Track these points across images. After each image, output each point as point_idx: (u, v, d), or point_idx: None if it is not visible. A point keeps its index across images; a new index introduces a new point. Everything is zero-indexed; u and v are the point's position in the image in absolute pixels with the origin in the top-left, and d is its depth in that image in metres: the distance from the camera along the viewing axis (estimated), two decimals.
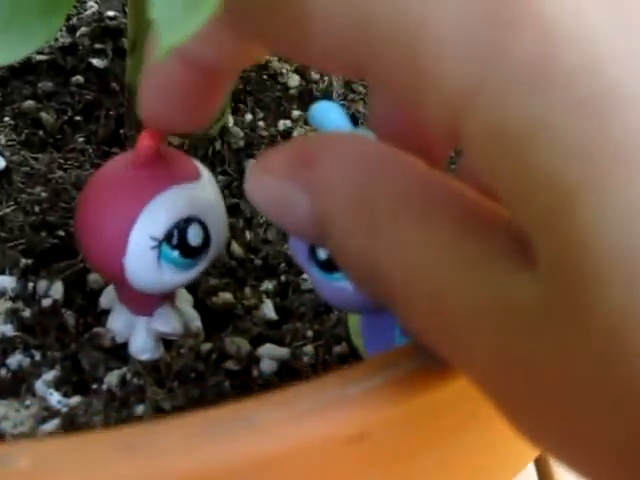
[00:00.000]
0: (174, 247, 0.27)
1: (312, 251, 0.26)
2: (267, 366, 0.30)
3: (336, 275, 0.25)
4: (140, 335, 0.30)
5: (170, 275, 0.28)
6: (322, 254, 0.25)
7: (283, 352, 0.31)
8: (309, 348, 0.31)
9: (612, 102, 0.16)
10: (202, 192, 0.28)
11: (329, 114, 0.27)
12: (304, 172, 0.23)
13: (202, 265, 0.29)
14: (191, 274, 0.28)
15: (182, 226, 0.27)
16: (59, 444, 0.20)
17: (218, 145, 0.38)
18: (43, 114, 0.38)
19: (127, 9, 0.36)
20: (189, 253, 0.28)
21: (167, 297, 0.30)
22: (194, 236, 0.28)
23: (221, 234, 0.29)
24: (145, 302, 0.30)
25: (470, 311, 0.19)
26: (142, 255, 0.27)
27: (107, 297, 0.32)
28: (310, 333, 0.31)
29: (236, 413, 0.20)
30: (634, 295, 0.16)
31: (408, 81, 0.19)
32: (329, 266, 0.25)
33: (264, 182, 0.24)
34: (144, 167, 0.27)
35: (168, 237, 0.27)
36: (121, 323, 0.31)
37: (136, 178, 0.28)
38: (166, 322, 0.30)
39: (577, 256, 0.16)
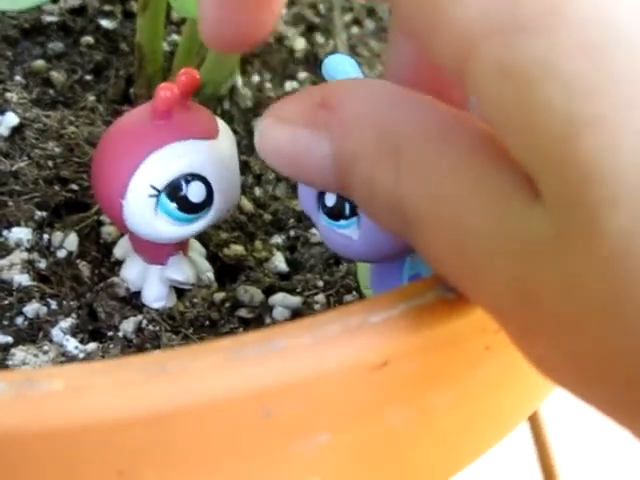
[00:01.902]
0: (173, 200, 0.28)
1: (319, 199, 0.26)
2: (280, 314, 0.31)
3: (342, 223, 0.26)
4: (153, 283, 0.31)
5: (165, 226, 0.28)
6: (329, 201, 0.26)
7: (295, 300, 0.31)
8: (320, 297, 0.32)
9: (615, 47, 0.17)
10: (215, 150, 0.28)
11: (342, 66, 0.27)
12: (324, 116, 0.23)
13: (202, 223, 0.29)
14: (189, 229, 0.29)
15: (185, 181, 0.28)
16: (92, 368, 0.20)
17: (227, 105, 0.38)
18: (53, 73, 0.38)
19: None
20: (188, 209, 0.28)
21: (180, 247, 0.31)
22: (195, 193, 0.28)
23: (229, 195, 0.29)
24: (158, 251, 0.30)
25: (488, 243, 0.19)
26: (140, 200, 0.28)
27: (121, 248, 0.32)
28: (321, 283, 0.32)
29: (264, 338, 0.21)
30: (639, 217, 0.16)
31: (424, 14, 0.20)
32: (336, 214, 0.26)
33: (278, 131, 0.24)
34: (161, 117, 0.28)
35: (168, 189, 0.28)
36: (134, 272, 0.31)
37: (149, 126, 0.28)
38: (179, 270, 0.31)
39: (582, 185, 0.17)
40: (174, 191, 0.28)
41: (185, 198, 0.28)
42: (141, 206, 0.28)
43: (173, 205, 0.28)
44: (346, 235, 0.26)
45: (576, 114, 0.17)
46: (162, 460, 0.21)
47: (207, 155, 0.28)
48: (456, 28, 0.19)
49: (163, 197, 0.27)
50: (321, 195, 0.26)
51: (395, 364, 0.21)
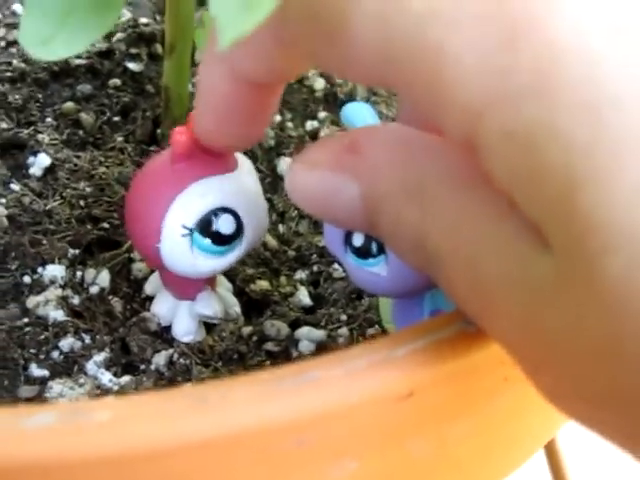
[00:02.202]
0: (206, 235, 0.29)
1: (347, 239, 0.28)
2: (305, 347, 0.32)
3: (370, 261, 0.27)
4: (183, 318, 0.32)
5: (203, 261, 0.29)
6: (357, 241, 0.27)
7: (320, 334, 0.33)
8: (344, 330, 0.33)
9: (609, 105, 0.18)
10: (238, 183, 0.30)
11: (361, 113, 0.29)
12: (351, 160, 0.25)
13: (237, 252, 0.30)
14: (225, 261, 0.30)
15: (213, 215, 0.29)
16: (136, 399, 0.21)
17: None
18: (82, 115, 0.39)
19: (164, 15, 0.37)
20: (221, 241, 0.29)
21: (208, 282, 0.32)
22: (226, 225, 0.29)
23: (257, 223, 0.30)
24: (187, 287, 0.32)
25: (500, 281, 0.21)
26: (175, 241, 0.29)
27: (152, 284, 0.33)
28: (344, 317, 0.33)
29: (299, 370, 0.22)
30: (634, 264, 0.18)
31: (430, 96, 0.21)
32: (364, 253, 0.27)
33: (307, 175, 0.25)
34: (181, 160, 0.29)
35: (200, 226, 0.29)
36: (165, 307, 0.32)
37: (172, 169, 0.29)
38: (208, 305, 0.32)
39: (582, 236, 0.18)
40: (205, 227, 0.29)
41: (217, 232, 0.29)
42: (177, 247, 0.29)
43: (207, 240, 0.29)
44: (374, 272, 0.27)
45: (574, 172, 0.18)
46: None
47: (230, 188, 0.30)
48: (460, 106, 0.20)
49: (196, 234, 0.29)
50: (348, 236, 0.27)
51: (419, 395, 0.23)
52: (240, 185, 0.30)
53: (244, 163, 0.31)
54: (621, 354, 0.18)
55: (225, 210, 0.29)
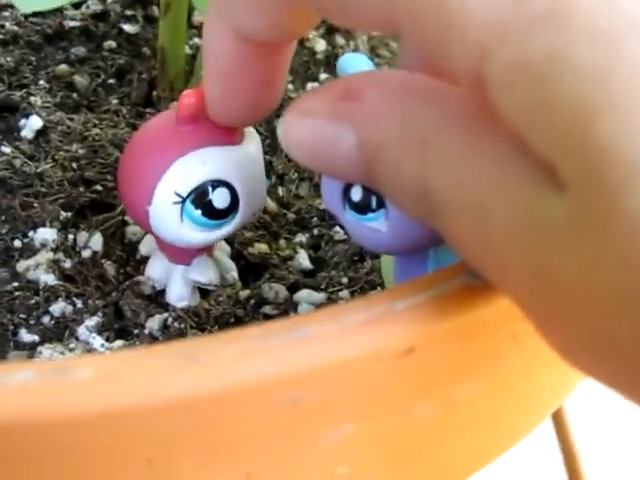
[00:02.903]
0: (198, 206, 0.28)
1: (345, 194, 0.26)
2: (305, 310, 0.31)
3: (370, 216, 0.26)
4: (176, 283, 0.31)
5: (191, 232, 0.28)
6: (356, 195, 0.26)
7: (320, 297, 0.31)
8: (345, 293, 0.32)
9: (627, 31, 0.17)
10: (240, 156, 0.29)
11: (358, 64, 0.28)
12: (349, 107, 0.23)
13: (227, 228, 0.29)
14: (214, 235, 0.29)
15: (209, 187, 0.28)
16: (120, 357, 0.21)
17: None
18: (77, 77, 0.38)
19: None
20: (213, 215, 0.28)
21: (204, 248, 0.31)
22: (220, 199, 0.28)
23: (254, 201, 0.29)
24: (182, 251, 0.31)
25: (509, 228, 0.20)
26: (165, 207, 0.28)
27: (147, 244, 0.32)
28: (345, 280, 0.32)
29: (292, 326, 0.21)
30: None
31: (437, 32, 0.20)
32: (363, 207, 0.26)
33: (302, 124, 0.24)
34: (186, 124, 0.28)
35: (193, 195, 0.28)
36: (159, 270, 0.31)
37: (174, 133, 0.28)
38: (202, 272, 0.31)
39: (600, 168, 0.17)
40: (199, 198, 0.28)
41: (210, 204, 0.28)
42: (166, 213, 0.28)
43: (198, 212, 0.28)
44: (374, 228, 0.26)
45: (590, 100, 0.17)
46: (191, 448, 0.21)
47: (232, 161, 0.28)
48: (469, 40, 0.19)
49: (188, 204, 0.28)
50: (346, 191, 0.26)
51: (420, 352, 0.21)
52: (243, 160, 0.29)
53: (252, 137, 0.29)
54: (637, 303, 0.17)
55: (223, 183, 0.28)
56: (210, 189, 0.28)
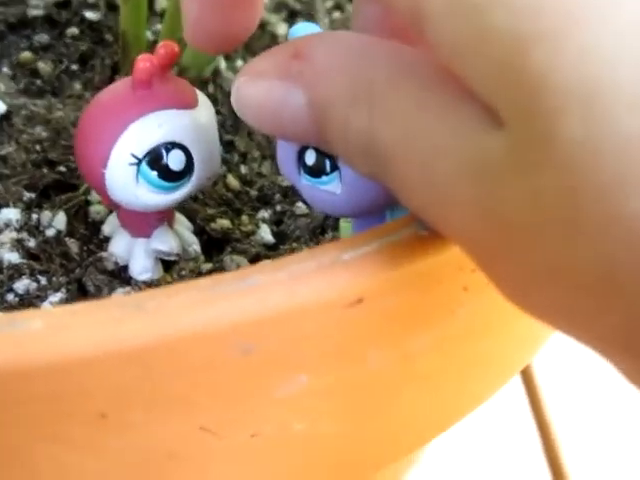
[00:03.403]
0: (153, 168, 0.28)
1: (299, 158, 0.27)
2: None
3: (324, 179, 0.26)
4: (138, 256, 0.31)
5: (146, 194, 0.29)
6: (310, 159, 0.26)
7: None
8: None
9: None
10: (194, 120, 0.29)
11: (309, 31, 0.28)
12: (297, 66, 0.24)
13: (182, 191, 0.29)
14: (170, 198, 0.29)
15: (165, 149, 0.28)
16: (70, 308, 0.21)
17: (211, 88, 0.39)
18: (40, 64, 0.38)
19: None
20: (168, 177, 0.29)
21: (164, 219, 0.31)
22: (175, 161, 0.28)
23: (209, 165, 0.30)
24: (142, 223, 0.31)
25: (454, 170, 0.20)
26: (121, 169, 0.28)
27: (110, 224, 0.33)
28: None
29: (240, 276, 0.21)
30: (590, 124, 0.17)
31: None
32: (317, 171, 0.26)
33: (253, 86, 0.25)
34: (142, 87, 0.28)
35: (149, 157, 0.28)
36: (121, 246, 0.32)
37: (129, 97, 0.28)
38: (163, 241, 0.31)
39: (533, 98, 0.18)
40: (154, 159, 0.28)
41: (165, 166, 0.28)
42: (122, 175, 0.28)
43: (154, 173, 0.28)
44: (329, 191, 0.26)
45: (521, 32, 0.18)
46: (144, 400, 0.21)
47: (187, 124, 0.29)
48: None
49: (144, 165, 0.28)
50: (301, 156, 0.27)
51: (370, 301, 0.22)
52: (197, 123, 0.29)
53: (204, 102, 0.30)
54: (581, 223, 0.18)
55: (178, 146, 0.29)
56: (165, 151, 0.28)
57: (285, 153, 0.27)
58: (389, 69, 0.22)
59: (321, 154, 0.26)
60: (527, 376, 0.54)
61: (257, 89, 0.24)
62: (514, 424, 0.52)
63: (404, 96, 0.22)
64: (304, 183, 0.27)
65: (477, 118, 0.20)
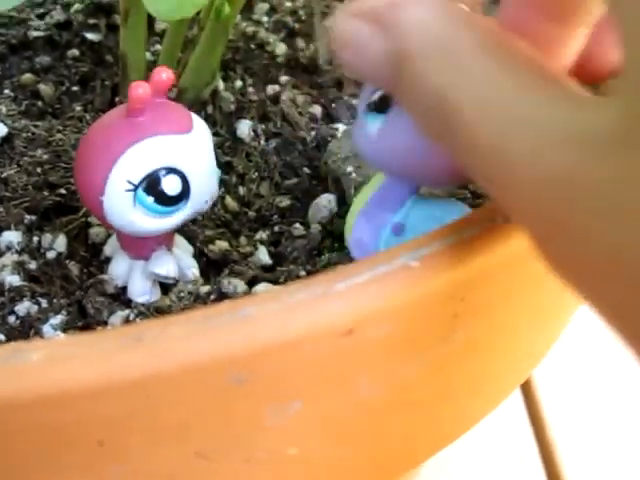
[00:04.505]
0: (150, 194, 0.29)
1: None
2: None
3: (372, 115, 0.28)
4: (137, 278, 0.32)
5: (144, 219, 0.29)
6: (375, 95, 0.28)
7: None
8: None
9: None
10: (190, 144, 0.29)
11: None
12: (389, 14, 0.24)
13: (180, 215, 0.30)
14: (167, 222, 0.30)
15: (160, 174, 0.29)
16: (69, 340, 0.21)
17: (210, 109, 0.39)
18: (41, 86, 0.39)
19: None
20: (165, 202, 0.29)
21: (163, 242, 0.32)
22: (171, 186, 0.29)
23: (205, 189, 0.30)
24: (141, 247, 0.32)
25: (537, 135, 0.20)
26: (118, 196, 0.29)
27: (111, 246, 0.33)
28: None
29: (232, 307, 0.21)
30: None
31: None
32: (374, 107, 0.28)
33: (347, 24, 0.25)
34: (137, 114, 0.29)
35: (145, 183, 0.29)
36: (121, 268, 0.32)
37: (125, 123, 0.29)
38: (161, 265, 0.31)
39: None
40: (150, 185, 0.29)
41: (161, 192, 0.29)
42: (119, 201, 0.29)
43: (150, 199, 0.29)
44: (370, 128, 0.28)
45: None
46: (140, 428, 0.21)
47: (182, 149, 0.29)
48: None
49: (140, 191, 0.28)
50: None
51: (362, 331, 0.22)
52: (194, 148, 0.30)
53: (200, 125, 0.30)
54: None
55: (173, 171, 0.29)
56: (161, 176, 0.29)
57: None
58: (479, 36, 0.23)
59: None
60: (527, 389, 0.54)
61: (349, 27, 0.25)
62: (513, 436, 0.52)
63: (490, 63, 0.22)
64: (361, 117, 0.28)
65: (568, 95, 0.20)
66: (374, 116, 0.27)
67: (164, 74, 0.29)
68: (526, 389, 0.54)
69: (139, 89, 0.28)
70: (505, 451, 0.51)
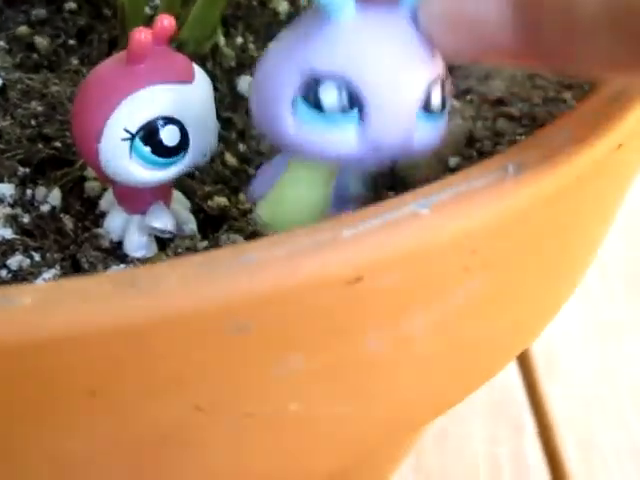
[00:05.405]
0: (147, 143, 0.28)
1: (302, 99, 0.24)
2: None
3: (339, 117, 0.24)
4: (133, 233, 0.31)
5: (140, 170, 0.28)
6: (328, 93, 0.24)
7: None
8: None
9: None
10: (190, 95, 0.29)
11: None
12: None
13: (177, 167, 0.29)
14: (164, 174, 0.29)
15: (158, 124, 0.28)
16: (60, 284, 0.20)
17: (210, 65, 0.38)
18: (37, 38, 0.38)
19: None
20: (162, 152, 0.28)
21: (160, 197, 0.31)
22: (169, 137, 0.28)
23: (204, 140, 0.29)
24: (138, 200, 0.31)
25: None
26: (115, 144, 0.28)
27: (107, 200, 0.32)
28: None
29: (235, 253, 0.20)
30: None
31: None
32: (335, 108, 0.24)
33: (443, 2, 0.22)
34: (135, 61, 0.28)
35: (143, 132, 0.28)
36: (117, 222, 0.31)
37: (124, 71, 0.28)
38: (158, 218, 0.31)
39: None
40: (148, 135, 0.28)
41: (159, 142, 0.28)
42: (116, 150, 0.28)
43: (147, 149, 0.28)
44: (342, 130, 0.24)
45: None
46: (136, 379, 0.21)
47: (182, 99, 0.28)
48: None
49: (137, 141, 0.28)
50: (308, 94, 0.24)
51: (369, 279, 0.21)
52: (194, 98, 0.29)
53: (202, 77, 0.30)
54: None
55: (172, 121, 0.28)
56: (159, 126, 0.28)
57: (274, 95, 0.25)
58: None
59: (345, 87, 0.24)
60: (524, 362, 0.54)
61: (447, 3, 0.22)
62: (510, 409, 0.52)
63: None
64: (303, 128, 0.24)
65: None
66: (342, 116, 0.24)
67: (166, 21, 0.28)
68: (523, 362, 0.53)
69: (140, 34, 0.27)
70: (501, 423, 0.50)
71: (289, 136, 0.25)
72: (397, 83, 0.23)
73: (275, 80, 0.25)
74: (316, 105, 0.24)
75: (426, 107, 0.24)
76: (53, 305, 0.20)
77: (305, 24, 0.25)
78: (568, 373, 0.53)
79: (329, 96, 0.24)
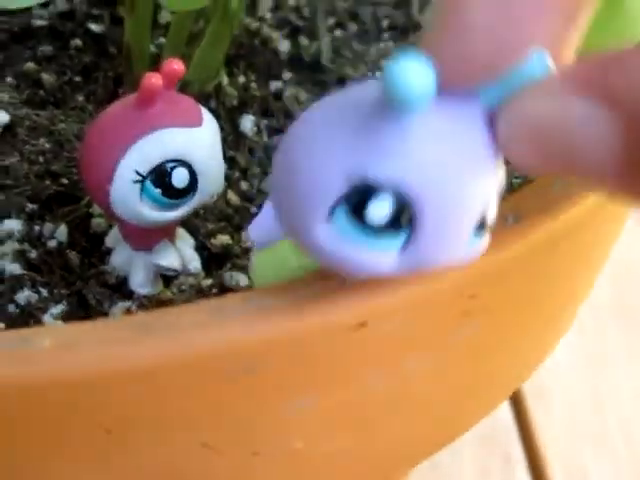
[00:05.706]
0: (157, 185, 0.29)
1: (342, 208, 0.20)
2: None
3: (385, 236, 0.20)
4: (138, 269, 0.32)
5: (150, 211, 0.29)
6: (380, 207, 0.19)
7: None
8: None
9: None
10: (199, 138, 0.29)
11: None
12: (604, 79, 0.18)
13: (186, 208, 0.30)
14: (173, 214, 0.30)
15: (169, 167, 0.29)
16: (79, 327, 0.21)
17: (213, 104, 0.39)
18: (44, 75, 0.39)
19: None
20: (172, 194, 0.29)
21: (166, 235, 0.32)
22: (179, 179, 0.29)
23: (212, 182, 0.30)
24: (144, 238, 0.31)
25: None
26: (126, 186, 0.28)
27: (112, 237, 0.33)
28: None
29: (246, 298, 0.21)
30: None
31: None
32: (384, 225, 0.20)
33: (542, 101, 0.18)
34: (146, 105, 0.29)
35: (153, 175, 0.28)
36: (122, 259, 0.32)
37: (135, 114, 0.29)
38: (163, 256, 0.31)
39: None
40: (158, 177, 0.28)
41: (169, 184, 0.29)
42: (127, 191, 0.28)
43: (157, 191, 0.29)
44: (385, 250, 0.20)
45: None
46: (148, 418, 0.21)
47: (191, 142, 0.29)
48: None
49: (148, 183, 0.28)
50: (350, 204, 0.19)
51: (373, 324, 0.22)
52: (202, 141, 0.29)
53: (209, 120, 0.30)
54: None
55: (182, 163, 0.29)
56: (170, 169, 0.28)
57: (310, 197, 0.20)
58: None
59: (400, 201, 0.19)
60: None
61: (546, 106, 0.18)
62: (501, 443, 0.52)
63: None
64: (338, 240, 0.20)
65: None
66: (390, 236, 0.19)
67: (176, 65, 0.28)
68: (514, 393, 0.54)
69: (152, 79, 0.28)
70: (493, 458, 0.51)
71: (319, 247, 0.20)
72: (460, 203, 0.19)
73: (313, 180, 0.19)
74: (358, 216, 0.19)
75: (481, 225, 0.20)
76: (72, 347, 0.20)
77: (359, 113, 0.19)
78: (558, 404, 0.54)
79: (380, 210, 0.19)
